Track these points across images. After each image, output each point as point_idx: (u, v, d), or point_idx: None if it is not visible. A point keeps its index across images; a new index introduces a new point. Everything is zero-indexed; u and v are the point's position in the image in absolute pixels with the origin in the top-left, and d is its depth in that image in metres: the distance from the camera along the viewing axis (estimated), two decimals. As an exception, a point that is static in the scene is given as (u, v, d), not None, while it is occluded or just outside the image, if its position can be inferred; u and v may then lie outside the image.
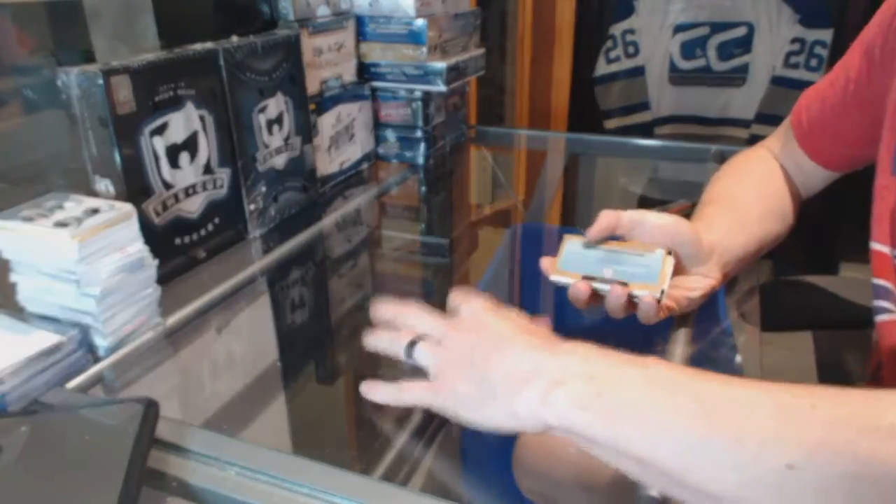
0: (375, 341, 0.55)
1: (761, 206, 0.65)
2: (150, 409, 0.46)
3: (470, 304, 0.50)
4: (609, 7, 2.00)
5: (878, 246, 0.56)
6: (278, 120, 0.88)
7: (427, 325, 0.52)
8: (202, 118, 0.75)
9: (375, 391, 0.53)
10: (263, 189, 0.86)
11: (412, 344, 0.51)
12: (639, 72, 2.03)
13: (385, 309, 0.56)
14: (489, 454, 0.77)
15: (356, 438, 0.62)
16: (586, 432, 0.40)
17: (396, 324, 0.54)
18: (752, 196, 0.66)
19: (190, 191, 0.75)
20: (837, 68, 0.62)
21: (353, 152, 1.09)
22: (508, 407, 0.43)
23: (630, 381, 0.40)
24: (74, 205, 0.60)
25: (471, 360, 0.46)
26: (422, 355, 0.50)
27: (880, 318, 0.58)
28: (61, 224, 0.56)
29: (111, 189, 0.67)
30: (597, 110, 2.09)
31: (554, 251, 0.63)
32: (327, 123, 1.01)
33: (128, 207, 0.60)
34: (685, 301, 0.59)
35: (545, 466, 0.73)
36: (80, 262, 0.55)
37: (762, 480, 0.34)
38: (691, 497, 0.38)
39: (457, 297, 0.52)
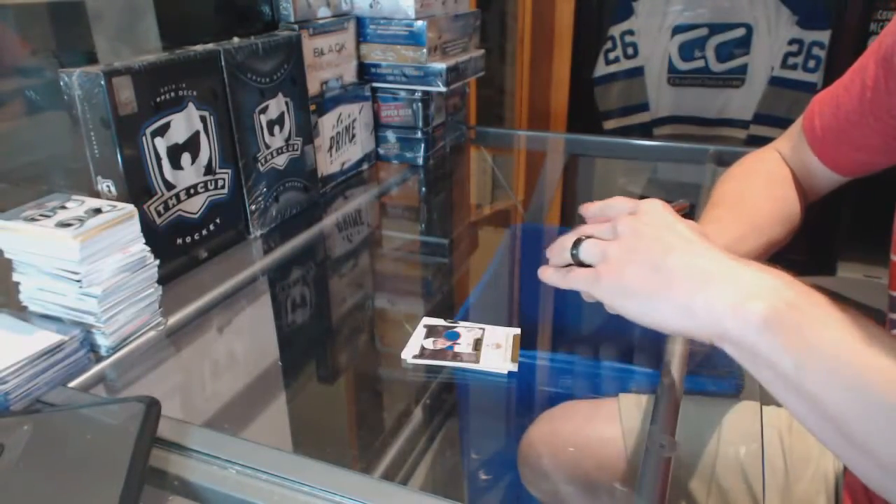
0: (549, 252, 0.52)
1: (769, 210, 0.65)
2: (152, 409, 0.46)
3: (652, 202, 0.46)
4: (608, 8, 2.00)
5: None
6: (279, 120, 0.88)
7: (600, 228, 0.48)
8: (203, 119, 0.76)
9: (545, 273, 0.52)
10: (264, 189, 0.86)
11: (578, 242, 0.48)
12: (638, 73, 2.04)
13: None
14: (494, 452, 0.77)
15: (356, 437, 0.62)
16: (769, 354, 0.38)
17: (574, 234, 0.51)
18: (760, 200, 0.66)
19: (191, 191, 0.75)
20: (852, 73, 0.62)
21: (353, 153, 1.09)
22: (685, 300, 0.41)
23: (832, 321, 0.38)
24: (76, 205, 0.60)
25: (647, 247, 0.43)
26: (587, 250, 0.47)
27: (893, 333, 0.58)
28: (63, 224, 0.56)
29: (113, 189, 0.67)
30: (596, 111, 2.10)
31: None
32: (328, 124, 1.01)
33: (129, 208, 0.60)
34: None
35: (550, 465, 0.74)
36: (81, 263, 0.56)
37: None
38: (850, 453, 0.37)
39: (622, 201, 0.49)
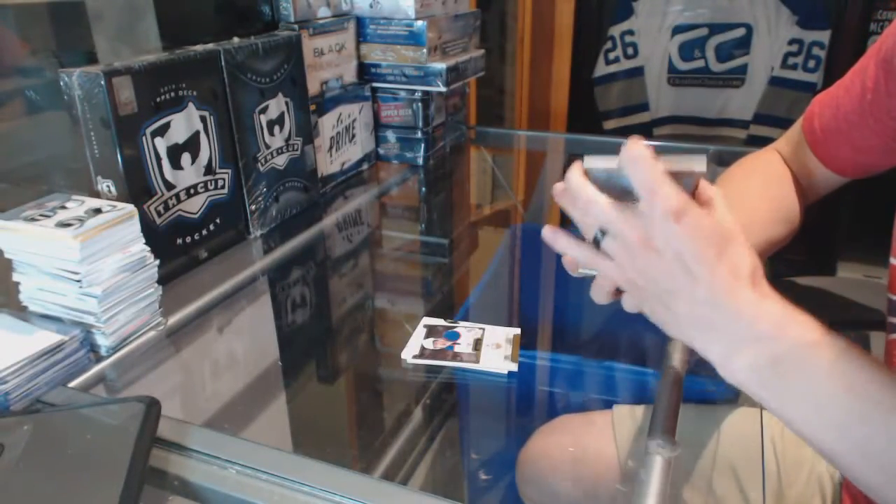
0: (569, 201, 0.48)
1: (767, 210, 0.65)
2: (152, 409, 0.46)
3: (667, 225, 0.43)
4: (608, 8, 2.00)
5: None
6: (279, 120, 0.88)
7: (615, 225, 0.45)
8: (203, 119, 0.76)
9: (556, 237, 0.48)
10: (264, 189, 0.86)
11: (603, 232, 0.46)
12: (638, 73, 2.04)
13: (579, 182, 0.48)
14: (494, 452, 0.77)
15: (356, 437, 0.62)
16: (760, 402, 0.42)
17: (583, 205, 0.47)
18: (758, 199, 0.66)
19: (191, 191, 0.75)
20: (852, 75, 0.62)
21: (353, 153, 1.09)
22: (690, 341, 0.45)
23: (815, 369, 0.40)
24: (76, 205, 0.60)
25: (658, 288, 0.44)
26: (610, 249, 0.46)
27: (894, 336, 0.58)
28: (63, 224, 0.56)
29: (113, 190, 0.67)
30: (596, 111, 2.10)
31: (553, 251, 0.63)
32: (328, 124, 1.01)
33: (129, 208, 0.60)
34: None
35: (548, 480, 0.74)
36: (81, 262, 0.56)
37: None
38: (848, 475, 0.41)
39: (648, 193, 0.43)
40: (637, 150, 0.42)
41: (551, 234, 0.49)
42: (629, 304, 0.47)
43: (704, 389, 0.70)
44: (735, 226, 0.45)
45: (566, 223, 0.51)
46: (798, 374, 0.40)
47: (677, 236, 0.42)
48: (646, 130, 2.07)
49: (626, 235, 0.44)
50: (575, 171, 0.46)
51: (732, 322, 0.42)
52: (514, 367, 0.63)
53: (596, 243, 0.46)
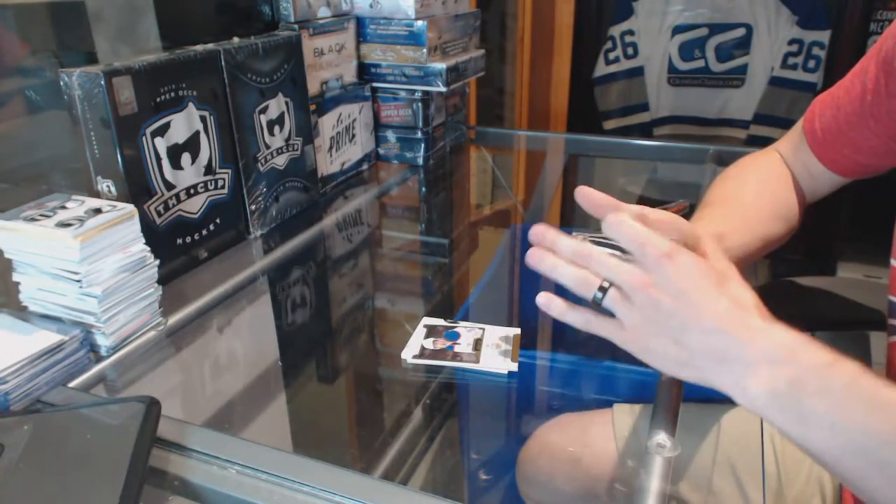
0: (562, 272, 0.49)
1: (762, 207, 0.65)
2: (152, 409, 0.46)
3: (663, 266, 0.44)
4: (608, 8, 2.00)
5: None
6: (279, 120, 0.88)
7: (616, 274, 0.46)
8: (203, 119, 0.76)
9: (551, 304, 0.49)
10: (264, 189, 0.86)
11: (603, 290, 0.47)
12: (638, 73, 2.04)
13: (564, 242, 0.49)
14: (494, 452, 0.77)
15: (356, 437, 0.62)
16: (778, 426, 0.42)
17: (582, 261, 0.48)
18: (752, 197, 0.66)
19: (191, 191, 0.75)
20: (853, 76, 0.62)
21: (353, 153, 1.09)
22: (699, 375, 0.45)
23: (832, 390, 0.41)
24: (76, 205, 0.60)
25: (667, 325, 0.45)
26: (612, 305, 0.47)
27: (894, 339, 0.58)
28: (63, 224, 0.56)
29: (113, 190, 0.67)
30: (596, 111, 2.10)
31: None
32: (328, 124, 1.01)
33: (129, 208, 0.60)
34: None
35: (548, 479, 0.74)
36: (82, 263, 0.56)
37: None
38: (862, 495, 0.41)
39: (637, 247, 0.45)
40: (616, 216, 0.45)
41: (546, 301, 0.50)
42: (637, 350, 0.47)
43: (704, 389, 0.70)
44: (731, 267, 0.46)
45: (566, 223, 0.51)
46: (816, 396, 0.41)
47: (675, 274, 0.44)
48: (646, 130, 2.08)
49: (628, 280, 0.45)
50: (563, 237, 0.49)
51: (744, 347, 0.42)
52: (514, 367, 0.63)
53: (595, 305, 0.47)
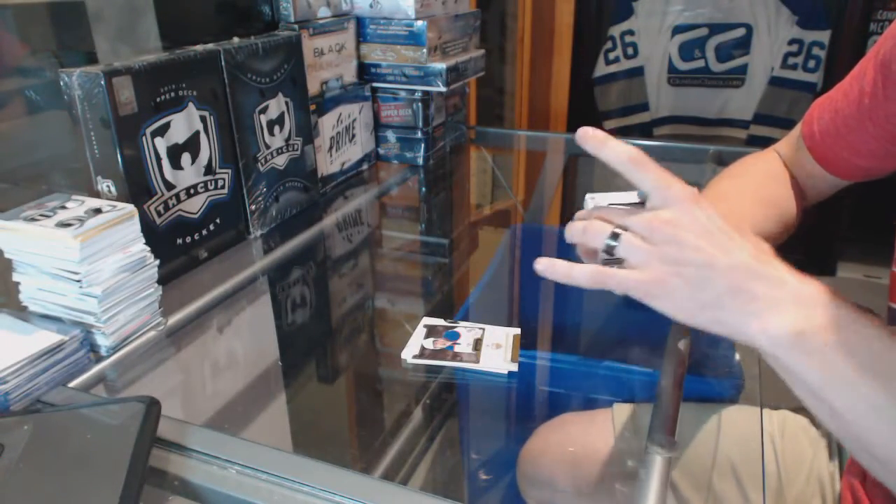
0: (573, 232, 0.49)
1: (760, 206, 0.65)
2: (152, 409, 0.46)
3: (688, 205, 0.44)
4: (608, 8, 2.00)
5: None
6: (279, 120, 0.88)
7: (634, 219, 0.46)
8: (203, 119, 0.76)
9: (554, 266, 0.47)
10: (264, 189, 0.86)
11: (615, 236, 0.46)
12: (638, 73, 2.04)
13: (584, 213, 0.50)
14: (494, 452, 0.77)
15: (356, 437, 0.62)
16: (797, 370, 0.41)
17: (597, 214, 0.49)
18: (752, 194, 0.66)
19: (191, 191, 0.75)
20: (851, 79, 0.61)
21: (353, 153, 1.09)
22: (724, 318, 0.43)
23: (858, 345, 0.40)
24: (76, 205, 0.60)
25: (689, 261, 0.43)
26: (626, 247, 0.46)
27: None
28: (63, 224, 0.56)
29: (113, 190, 0.67)
30: (596, 111, 2.10)
31: (553, 251, 0.63)
32: (328, 124, 1.01)
33: (129, 208, 0.60)
34: None
35: (548, 479, 0.74)
36: (82, 263, 0.56)
37: None
38: (873, 465, 0.40)
39: (660, 189, 0.45)
40: (637, 154, 0.44)
41: (547, 264, 0.48)
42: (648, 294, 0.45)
43: (704, 389, 0.71)
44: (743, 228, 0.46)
45: (566, 223, 0.51)
46: (842, 346, 0.39)
47: (702, 214, 0.44)
48: (646, 130, 2.08)
49: (648, 220, 0.45)
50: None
51: (772, 285, 0.42)
52: (514, 367, 0.63)
53: (607, 254, 0.46)
